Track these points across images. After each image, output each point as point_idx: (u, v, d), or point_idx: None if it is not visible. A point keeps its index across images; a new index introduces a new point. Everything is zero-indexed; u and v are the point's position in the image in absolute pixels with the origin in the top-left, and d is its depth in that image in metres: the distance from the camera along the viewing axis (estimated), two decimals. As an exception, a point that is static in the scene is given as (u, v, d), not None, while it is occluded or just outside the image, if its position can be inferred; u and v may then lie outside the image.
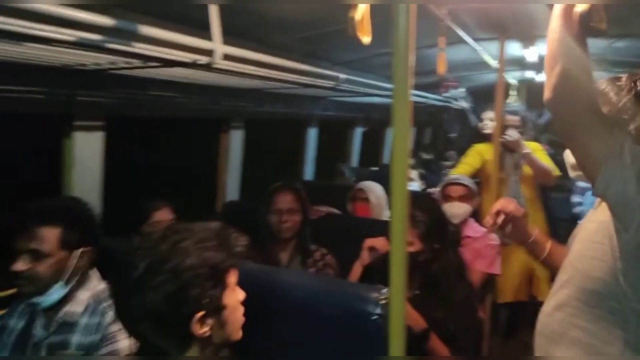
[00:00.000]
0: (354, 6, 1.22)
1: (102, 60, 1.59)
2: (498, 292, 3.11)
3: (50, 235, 1.44)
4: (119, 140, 2.16)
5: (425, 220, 1.88)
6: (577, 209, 3.86)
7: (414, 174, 3.65)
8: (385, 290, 1.34)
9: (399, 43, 1.07)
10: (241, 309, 1.17)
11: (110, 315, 1.48)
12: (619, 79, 1.23)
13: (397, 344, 1.09)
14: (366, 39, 1.28)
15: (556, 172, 3.01)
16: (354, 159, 4.96)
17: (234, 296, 1.15)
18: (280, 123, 3.81)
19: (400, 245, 1.10)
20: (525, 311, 3.31)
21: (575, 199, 3.93)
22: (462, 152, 5.90)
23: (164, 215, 2.18)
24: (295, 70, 2.12)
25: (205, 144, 3.10)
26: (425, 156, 5.82)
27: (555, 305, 1.28)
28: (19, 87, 1.74)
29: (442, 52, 2.20)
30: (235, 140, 2.98)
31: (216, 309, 1.09)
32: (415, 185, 3.62)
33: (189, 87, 2.32)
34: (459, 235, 2.43)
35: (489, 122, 3.35)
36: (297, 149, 4.01)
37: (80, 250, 1.50)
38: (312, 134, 3.96)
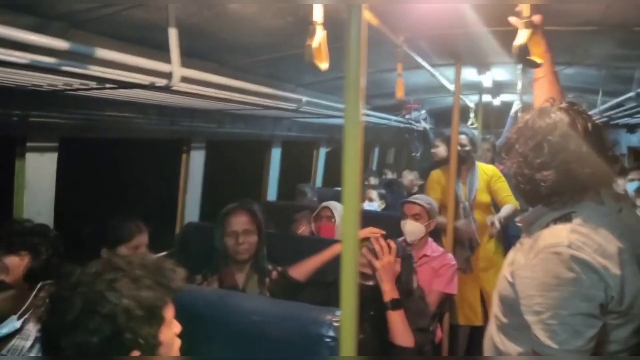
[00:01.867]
0: (311, 34, 1.27)
1: (58, 82, 1.57)
2: (456, 314, 3.17)
3: (16, 266, 1.37)
4: (74, 162, 2.10)
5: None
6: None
7: (374, 194, 3.71)
8: (339, 312, 1.36)
9: (350, 65, 1.10)
10: (177, 343, 1.15)
11: None
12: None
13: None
14: (324, 65, 1.32)
15: (517, 205, 3.17)
16: (318, 179, 5.00)
17: (170, 331, 1.12)
18: (243, 143, 3.81)
19: (351, 266, 1.12)
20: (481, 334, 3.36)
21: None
22: (424, 171, 6.05)
23: (143, 239, 2.05)
24: (258, 93, 2.14)
25: (165, 164, 3.06)
26: (390, 175, 5.92)
27: (496, 328, 1.34)
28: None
29: (399, 78, 2.27)
30: (196, 161, 2.96)
31: (152, 347, 1.07)
32: (375, 205, 3.67)
33: (148, 107, 2.30)
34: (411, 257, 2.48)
35: (435, 148, 3.50)
36: (260, 169, 4.01)
37: (42, 283, 1.43)
38: (275, 154, 3.97)
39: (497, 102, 5.44)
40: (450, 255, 2.76)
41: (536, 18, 1.33)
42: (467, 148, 3.25)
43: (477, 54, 3.04)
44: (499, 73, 3.62)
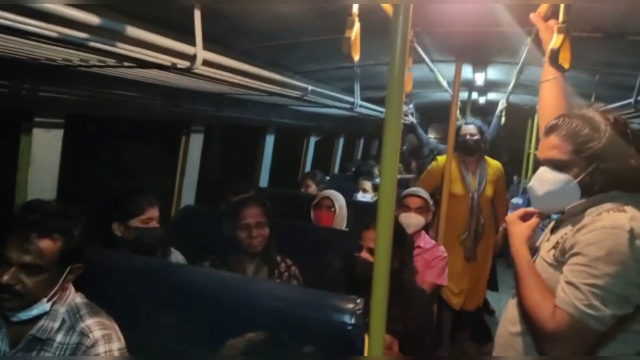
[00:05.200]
0: (350, 26, 1.28)
1: (74, 56, 1.52)
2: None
3: (50, 249, 1.33)
4: (75, 139, 2.05)
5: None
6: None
7: (367, 185, 3.73)
8: (359, 300, 1.39)
9: (395, 64, 1.10)
10: None
11: (96, 336, 1.34)
12: (607, 111, 1.31)
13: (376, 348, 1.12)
14: (356, 56, 1.34)
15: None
16: (307, 168, 5.00)
17: None
18: (235, 128, 3.77)
19: (384, 255, 1.15)
20: (465, 320, 3.51)
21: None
22: (407, 164, 6.11)
23: (155, 212, 2.11)
24: (267, 79, 2.12)
25: (161, 147, 3.01)
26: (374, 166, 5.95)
27: (519, 332, 1.36)
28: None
29: (409, 72, 2.30)
30: (195, 144, 2.93)
31: None
32: (369, 197, 3.70)
33: (154, 87, 2.25)
34: (413, 243, 2.57)
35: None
36: (252, 155, 3.98)
37: (74, 266, 1.40)
38: (269, 141, 3.95)
39: (482, 100, 5.54)
40: (442, 248, 2.84)
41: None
42: (476, 137, 3.33)
43: (477, 52, 3.09)
44: (491, 72, 3.68)
